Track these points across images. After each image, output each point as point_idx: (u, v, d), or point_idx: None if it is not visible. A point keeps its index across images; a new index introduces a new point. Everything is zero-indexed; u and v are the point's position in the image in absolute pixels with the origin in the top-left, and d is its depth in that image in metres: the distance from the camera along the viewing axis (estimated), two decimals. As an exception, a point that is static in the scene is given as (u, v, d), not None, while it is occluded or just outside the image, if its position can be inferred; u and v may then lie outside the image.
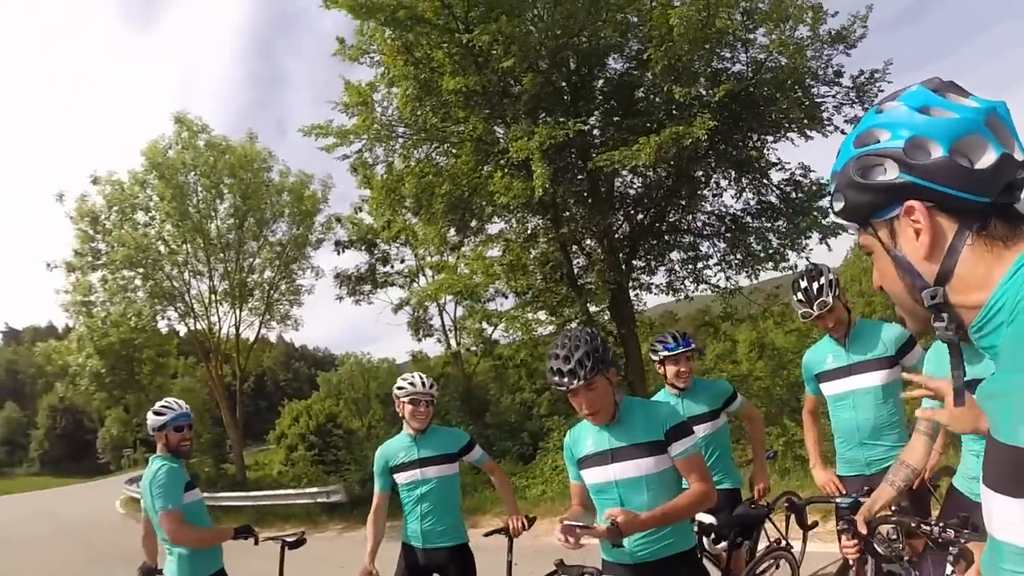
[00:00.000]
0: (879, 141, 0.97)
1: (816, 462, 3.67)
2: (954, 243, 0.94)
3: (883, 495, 2.60)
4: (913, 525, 2.58)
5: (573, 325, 11.50)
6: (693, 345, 4.02)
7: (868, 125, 1.00)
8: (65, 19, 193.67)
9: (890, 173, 0.96)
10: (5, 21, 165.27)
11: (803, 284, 3.36)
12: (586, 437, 2.68)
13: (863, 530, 2.58)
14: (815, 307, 3.31)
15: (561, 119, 10.90)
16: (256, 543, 4.01)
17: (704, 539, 3.60)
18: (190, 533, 3.55)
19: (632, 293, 12.87)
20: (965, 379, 1.04)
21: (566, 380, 2.44)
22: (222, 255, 21.72)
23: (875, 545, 2.67)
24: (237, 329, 22.86)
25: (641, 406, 2.66)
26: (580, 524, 2.35)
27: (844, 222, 1.05)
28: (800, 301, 3.37)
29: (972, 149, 0.92)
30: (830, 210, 1.12)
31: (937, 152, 0.92)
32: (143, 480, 3.81)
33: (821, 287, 3.30)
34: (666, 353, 3.97)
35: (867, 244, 1.05)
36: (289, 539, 4.35)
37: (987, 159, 0.91)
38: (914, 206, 0.94)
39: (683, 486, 2.62)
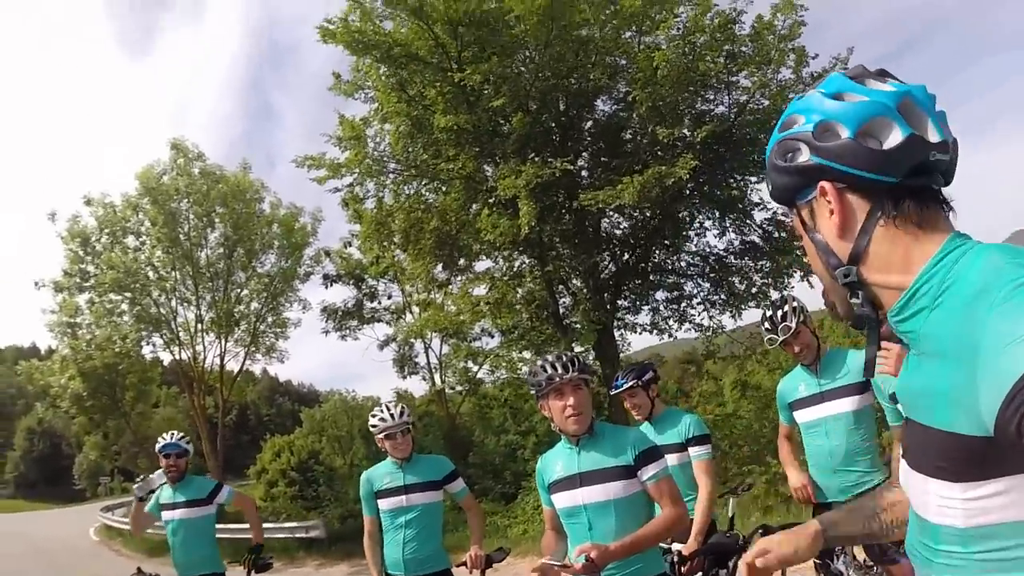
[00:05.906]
0: (796, 125, 1.03)
1: (791, 466, 3.74)
2: (866, 224, 0.99)
3: None
4: None
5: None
6: (634, 383, 3.80)
7: (789, 111, 1.06)
8: (64, 36, 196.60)
9: (803, 155, 1.01)
10: (5, 31, 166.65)
11: (768, 313, 3.51)
12: (556, 462, 2.72)
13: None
14: (779, 332, 3.44)
15: (550, 159, 11.02)
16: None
17: (679, 568, 3.60)
18: None
19: (617, 333, 12.89)
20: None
21: (560, 372, 2.53)
22: (210, 284, 21.56)
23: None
24: (222, 360, 22.60)
25: (611, 431, 2.70)
26: (557, 564, 2.40)
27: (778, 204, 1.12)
28: (767, 329, 3.51)
29: (879, 130, 0.96)
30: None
31: (844, 134, 0.97)
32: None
33: (785, 314, 3.44)
34: (613, 391, 3.97)
35: (796, 226, 1.10)
36: (257, 561, 4.37)
37: (893, 139, 0.95)
38: (825, 187, 1.00)
39: (655, 511, 2.63)
